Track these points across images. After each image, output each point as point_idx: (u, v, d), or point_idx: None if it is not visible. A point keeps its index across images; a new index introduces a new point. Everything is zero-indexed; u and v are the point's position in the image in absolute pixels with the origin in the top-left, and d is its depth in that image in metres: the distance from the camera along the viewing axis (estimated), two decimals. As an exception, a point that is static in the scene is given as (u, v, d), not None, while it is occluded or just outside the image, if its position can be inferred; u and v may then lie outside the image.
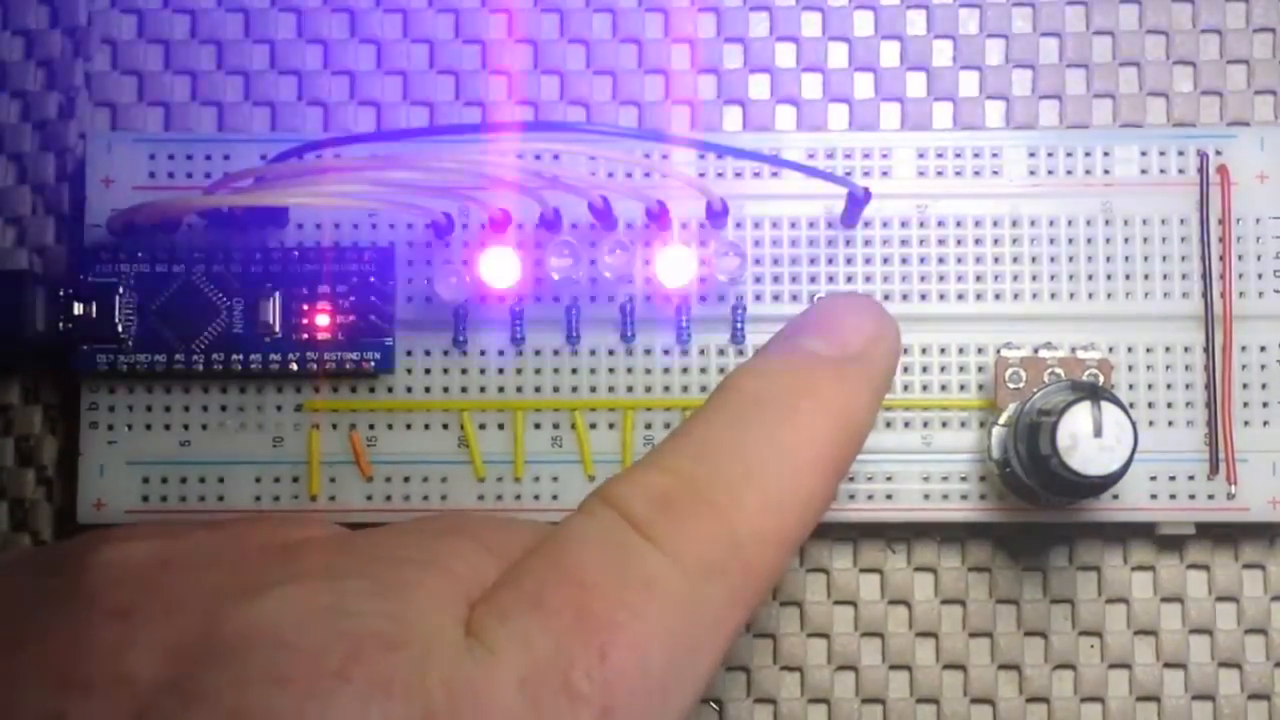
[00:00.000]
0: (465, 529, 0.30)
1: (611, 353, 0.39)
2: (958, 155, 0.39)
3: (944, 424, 0.39)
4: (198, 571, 0.28)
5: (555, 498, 0.39)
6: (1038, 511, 0.38)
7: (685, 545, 0.28)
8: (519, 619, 0.27)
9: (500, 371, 0.39)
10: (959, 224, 0.39)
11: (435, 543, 0.29)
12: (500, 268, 0.38)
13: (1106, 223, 0.39)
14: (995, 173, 0.39)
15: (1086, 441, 0.34)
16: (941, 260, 0.39)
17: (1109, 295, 0.39)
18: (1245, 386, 0.38)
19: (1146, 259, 0.39)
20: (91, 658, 0.26)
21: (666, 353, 0.39)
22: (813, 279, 0.39)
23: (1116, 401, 0.35)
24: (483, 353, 0.39)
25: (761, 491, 0.29)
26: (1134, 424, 0.34)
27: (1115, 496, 0.38)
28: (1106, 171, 0.39)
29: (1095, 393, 0.35)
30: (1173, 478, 0.38)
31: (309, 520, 0.33)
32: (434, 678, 0.25)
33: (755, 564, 0.29)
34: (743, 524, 0.28)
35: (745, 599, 0.28)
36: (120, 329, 0.38)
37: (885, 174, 0.39)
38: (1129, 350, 0.38)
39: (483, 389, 0.39)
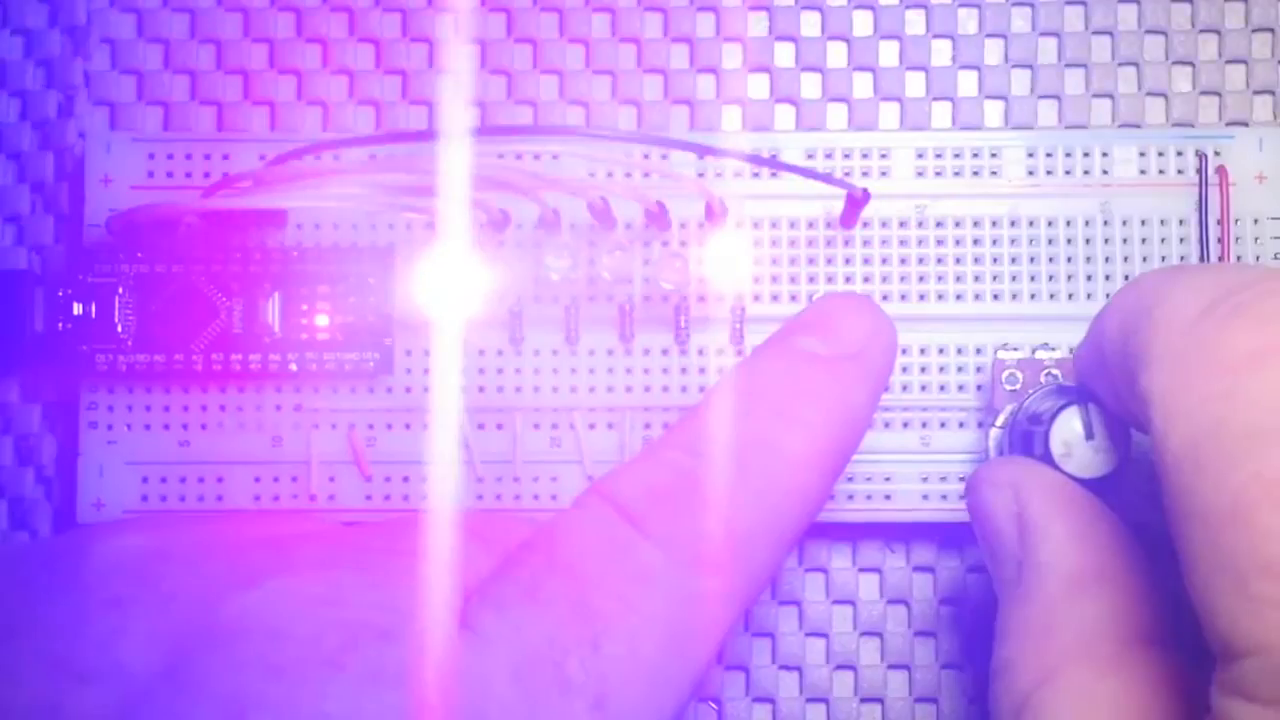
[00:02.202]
0: (460, 522, 0.30)
1: (610, 353, 0.39)
2: (956, 155, 0.39)
3: (942, 424, 0.39)
4: (193, 563, 0.28)
5: (554, 498, 0.39)
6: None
7: (679, 539, 0.28)
8: (512, 609, 0.27)
9: (499, 372, 0.39)
10: (958, 224, 0.39)
11: (429, 536, 0.29)
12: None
13: (1105, 223, 0.39)
14: (994, 173, 0.39)
15: (1080, 446, 0.34)
16: (940, 261, 0.39)
17: (1108, 296, 0.38)
18: (1243, 387, 0.38)
19: (1145, 260, 0.39)
20: (87, 647, 0.26)
21: (665, 353, 0.39)
22: (812, 279, 0.39)
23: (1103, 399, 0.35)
24: (481, 353, 0.39)
25: (756, 487, 0.29)
26: (1125, 419, 0.34)
27: (1113, 497, 0.38)
28: (1105, 172, 0.39)
29: (1081, 395, 0.35)
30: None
31: (303, 516, 0.33)
32: (427, 668, 0.25)
33: (748, 558, 0.29)
34: (737, 519, 0.28)
35: (739, 593, 0.29)
36: (119, 329, 0.38)
37: (884, 174, 0.39)
38: (1127, 350, 0.38)
39: (482, 389, 0.39)
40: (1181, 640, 0.29)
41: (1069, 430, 0.34)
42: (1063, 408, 0.34)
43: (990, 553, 0.32)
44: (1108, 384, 0.31)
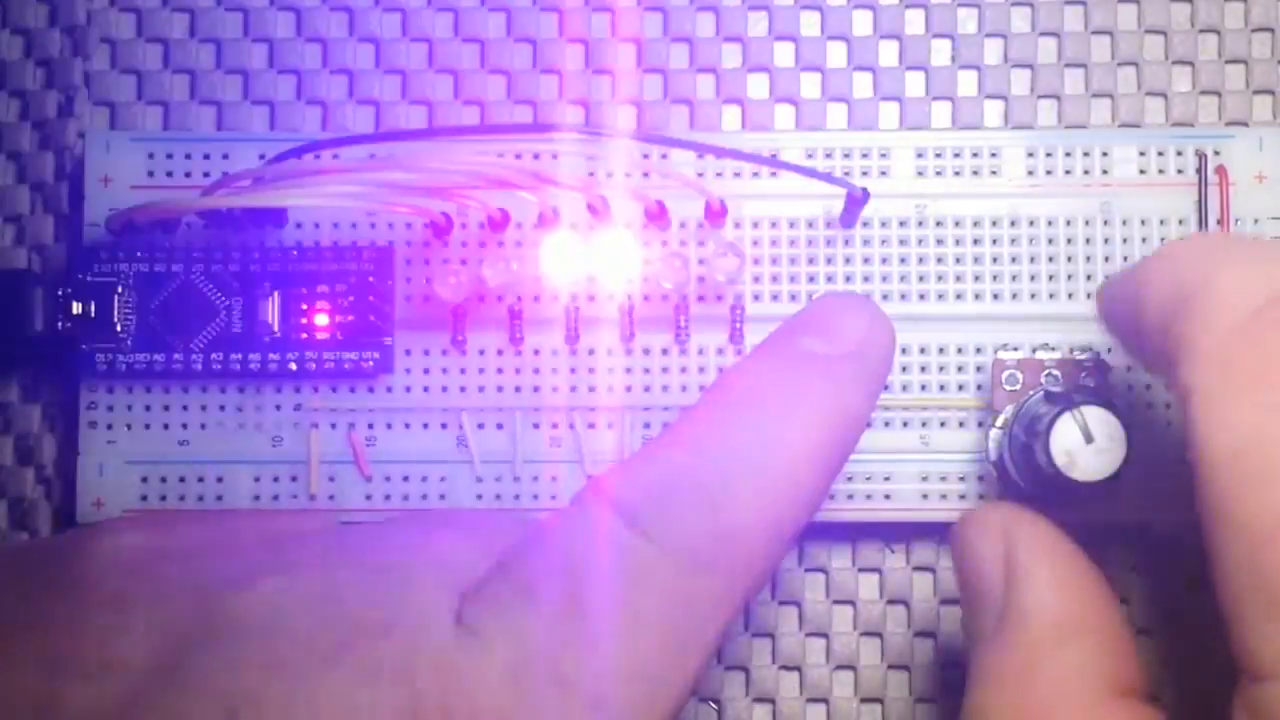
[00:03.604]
0: (457, 521, 0.30)
1: (610, 353, 0.39)
2: (956, 155, 0.39)
3: (942, 424, 0.39)
4: (191, 561, 0.28)
5: (553, 498, 0.39)
6: (1035, 511, 0.38)
7: (677, 538, 0.28)
8: (509, 608, 0.27)
9: (499, 371, 0.39)
10: (957, 224, 0.39)
11: (426, 534, 0.29)
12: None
13: (1105, 223, 0.39)
14: (994, 172, 0.39)
15: (1081, 451, 0.34)
16: (940, 260, 0.39)
17: (1107, 296, 0.38)
18: (1243, 386, 0.38)
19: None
20: (84, 644, 0.26)
21: (665, 352, 0.39)
22: (811, 279, 0.39)
23: (1094, 400, 0.35)
24: (481, 352, 0.39)
25: (754, 486, 0.29)
26: (1119, 416, 0.34)
27: (1113, 497, 0.38)
28: (1105, 171, 0.39)
29: (1070, 400, 0.35)
30: (1172, 478, 0.38)
31: (302, 515, 0.33)
32: (423, 665, 0.25)
33: (747, 558, 0.29)
34: (734, 517, 0.28)
35: (737, 592, 0.29)
36: (119, 328, 0.38)
37: (884, 174, 0.39)
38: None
39: (481, 389, 0.39)
40: (1160, 694, 0.29)
41: (1068, 438, 0.34)
42: (1057, 416, 0.34)
43: (971, 595, 0.31)
44: (1142, 349, 0.31)
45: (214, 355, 0.38)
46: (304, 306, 0.39)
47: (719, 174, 0.39)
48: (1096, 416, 0.34)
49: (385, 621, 0.26)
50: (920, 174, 0.39)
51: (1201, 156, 0.39)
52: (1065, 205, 0.39)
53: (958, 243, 0.39)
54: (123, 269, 0.39)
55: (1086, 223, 0.39)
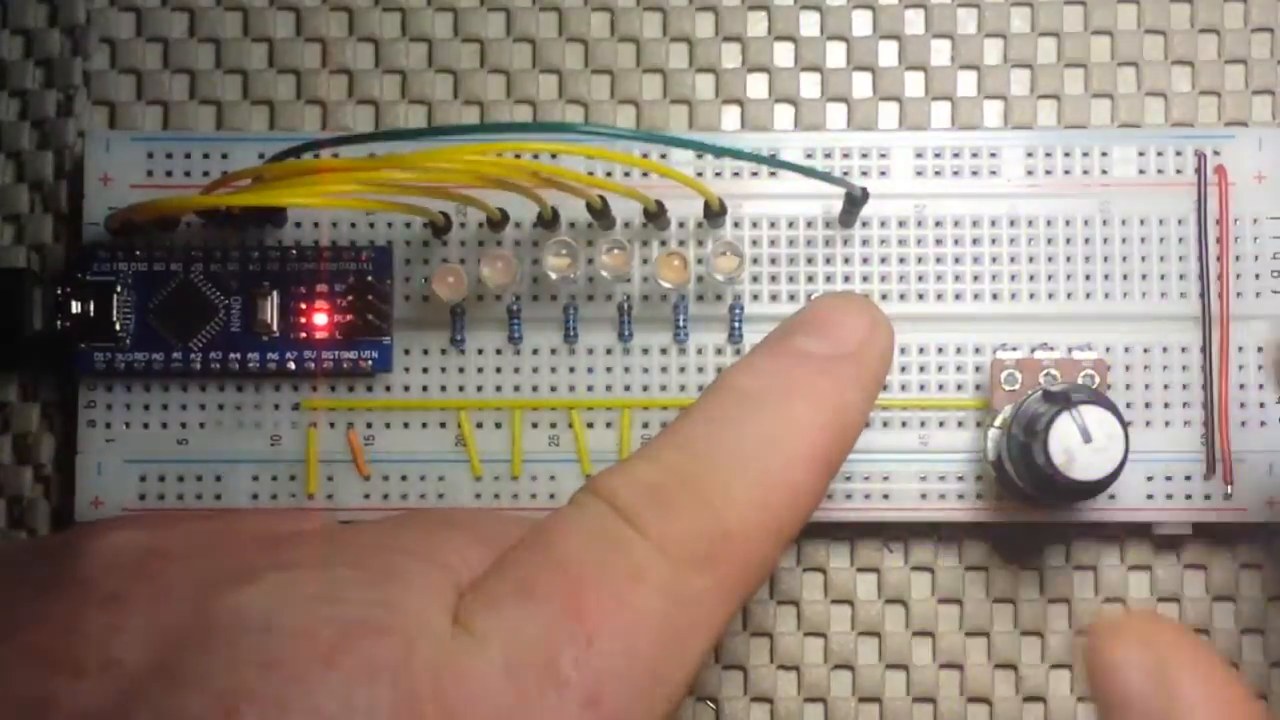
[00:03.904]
0: (456, 521, 0.30)
1: (609, 352, 0.39)
2: (955, 155, 0.39)
3: (941, 424, 0.39)
4: (188, 560, 0.28)
5: (552, 496, 0.39)
6: (1034, 511, 0.38)
7: (674, 536, 0.28)
8: (507, 607, 0.27)
9: (498, 370, 0.39)
10: (957, 224, 0.39)
11: (425, 534, 0.29)
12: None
13: (1104, 223, 0.39)
14: (993, 173, 0.39)
15: (1079, 450, 0.34)
16: (939, 260, 0.39)
17: (1106, 295, 0.38)
18: (1242, 387, 0.38)
19: (1144, 259, 0.39)
20: (81, 643, 0.26)
21: (664, 352, 0.39)
22: (810, 279, 0.39)
23: (1093, 400, 0.35)
24: (480, 352, 0.39)
25: (751, 485, 0.29)
26: (1118, 416, 0.34)
27: (1112, 497, 0.38)
28: (1104, 171, 0.39)
29: (1068, 399, 0.35)
30: (1169, 478, 0.38)
31: (301, 514, 0.33)
32: (421, 664, 0.25)
33: (744, 557, 0.29)
34: (732, 517, 0.28)
35: (734, 591, 0.28)
36: (118, 327, 0.38)
37: (883, 174, 0.39)
38: (1126, 351, 0.38)
39: (480, 388, 0.39)
40: None
41: (1067, 437, 0.34)
42: (1056, 415, 0.34)
43: (1119, 711, 0.30)
44: None
45: (213, 354, 0.38)
46: (303, 306, 0.39)
47: (719, 174, 0.39)
48: (1095, 416, 0.34)
49: (383, 621, 0.26)
50: (920, 174, 0.39)
51: (1201, 156, 0.39)
52: (1064, 205, 0.39)
53: (957, 243, 0.39)
54: (122, 268, 0.39)
55: (1086, 223, 0.39)
